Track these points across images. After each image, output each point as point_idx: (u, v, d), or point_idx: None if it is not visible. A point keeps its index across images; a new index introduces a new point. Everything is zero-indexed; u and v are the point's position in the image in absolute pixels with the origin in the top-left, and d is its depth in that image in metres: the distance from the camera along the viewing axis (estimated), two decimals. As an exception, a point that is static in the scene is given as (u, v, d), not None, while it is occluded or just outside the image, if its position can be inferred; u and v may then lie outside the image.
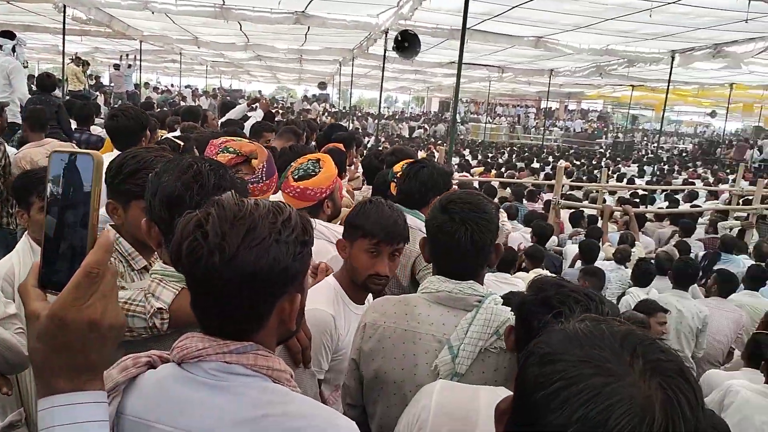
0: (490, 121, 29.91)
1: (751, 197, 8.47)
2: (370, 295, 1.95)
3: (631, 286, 5.07)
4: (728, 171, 16.57)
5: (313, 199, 2.36)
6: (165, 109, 11.28)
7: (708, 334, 4.41)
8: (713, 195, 11.47)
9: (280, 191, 2.41)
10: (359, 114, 26.11)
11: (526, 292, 1.33)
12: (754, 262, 5.86)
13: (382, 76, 10.11)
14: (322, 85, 24.16)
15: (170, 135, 4.55)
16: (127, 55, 16.53)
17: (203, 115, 6.04)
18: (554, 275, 1.43)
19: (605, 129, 32.27)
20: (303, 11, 9.07)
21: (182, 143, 3.75)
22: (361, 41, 11.73)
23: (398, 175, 2.74)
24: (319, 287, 1.90)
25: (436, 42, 10.12)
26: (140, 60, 15.77)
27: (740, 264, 6.02)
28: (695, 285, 5.34)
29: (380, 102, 11.89)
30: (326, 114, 22.04)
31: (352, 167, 4.87)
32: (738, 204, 9.01)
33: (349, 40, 11.95)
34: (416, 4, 6.55)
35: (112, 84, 16.16)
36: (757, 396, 3.08)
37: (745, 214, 8.34)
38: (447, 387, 1.30)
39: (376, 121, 14.10)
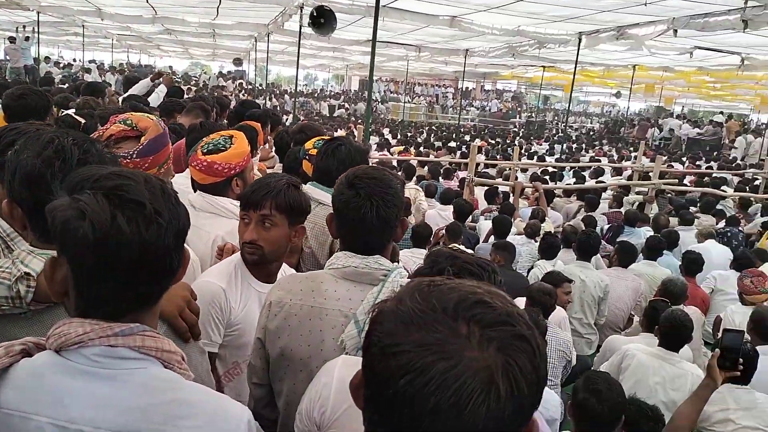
0: (410, 100, 30.14)
1: (651, 173, 9.01)
2: (282, 274, 1.92)
3: (539, 259, 5.29)
4: (632, 149, 17.54)
5: (221, 175, 2.28)
6: (65, 86, 10.58)
7: (609, 302, 4.67)
8: (617, 171, 12.13)
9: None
10: (277, 92, 25.54)
11: (422, 265, 1.34)
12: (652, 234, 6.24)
13: (299, 52, 9.92)
14: (238, 62, 23.42)
15: (70, 111, 4.26)
16: (24, 27, 15.39)
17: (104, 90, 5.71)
18: (451, 249, 1.45)
19: (519, 109, 33.31)
20: (213, -17, 8.74)
21: (83, 120, 3.53)
22: (276, 16, 11.44)
23: (309, 153, 2.70)
24: (220, 263, 1.88)
25: (352, 19, 10.02)
26: (38, 32, 14.68)
27: (641, 236, 6.38)
28: (598, 256, 5.64)
29: (297, 79, 11.66)
30: (242, 92, 21.40)
31: (266, 146, 4.75)
32: (639, 180, 9.57)
33: (263, 14, 11.63)
34: (330, -21, 6.43)
35: (8, 57, 15.01)
36: (651, 358, 3.30)
37: (645, 189, 8.87)
38: (349, 362, 1.30)
39: (294, 99, 13.84)
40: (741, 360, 2.28)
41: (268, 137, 5.05)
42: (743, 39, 9.28)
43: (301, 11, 9.09)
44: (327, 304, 1.53)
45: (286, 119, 13.73)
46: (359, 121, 20.01)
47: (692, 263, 5.01)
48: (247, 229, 1.78)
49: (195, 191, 2.31)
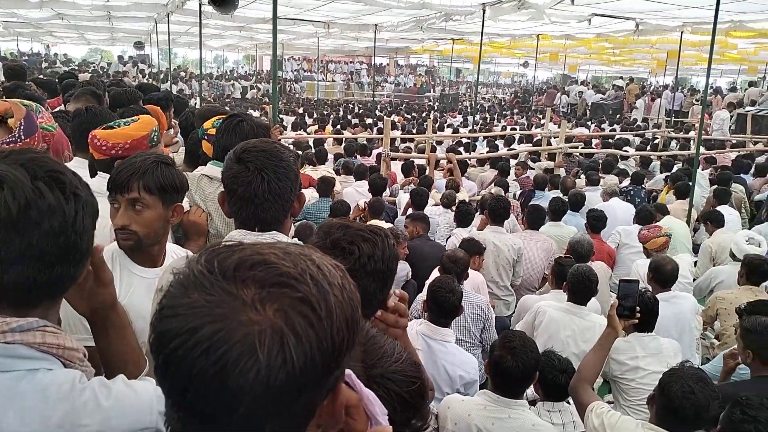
0: (324, 78, 29.77)
1: (557, 138, 9.37)
2: (174, 256, 1.84)
3: (456, 227, 5.40)
4: (541, 116, 18.15)
5: (99, 151, 2.20)
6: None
7: (523, 263, 4.84)
8: (528, 139, 12.53)
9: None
10: (183, 75, 24.52)
11: (313, 239, 1.31)
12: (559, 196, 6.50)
13: (200, 32, 9.53)
14: (139, 45, 22.25)
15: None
16: None
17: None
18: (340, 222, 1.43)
19: (433, 83, 33.67)
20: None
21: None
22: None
23: (208, 132, 2.59)
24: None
25: (256, -4, 9.72)
26: None
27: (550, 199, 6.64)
28: (514, 220, 5.83)
29: (201, 60, 11.21)
30: (145, 76, 20.39)
31: (171, 131, 4.55)
32: (547, 145, 9.92)
33: (161, -7, 11.08)
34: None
35: None
36: (561, 314, 3.45)
37: (554, 153, 9.22)
38: None
39: (199, 81, 13.33)
40: (638, 308, 2.40)
41: (173, 122, 4.84)
42: (637, 5, 9.75)
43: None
44: None
45: (195, 103, 13.23)
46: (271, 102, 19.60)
47: (596, 221, 5.26)
48: (117, 214, 1.67)
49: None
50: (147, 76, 20.50)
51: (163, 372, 0.63)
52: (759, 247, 4.69)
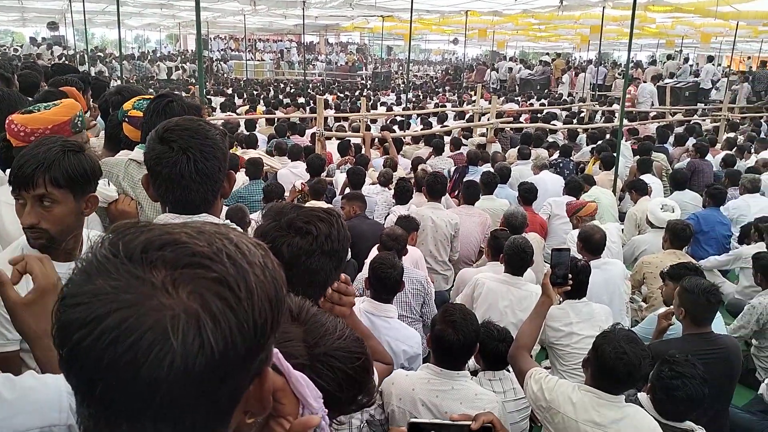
0: (253, 57, 29.04)
1: (488, 114, 9.51)
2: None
3: (395, 205, 5.41)
4: (472, 93, 18.40)
5: (22, 139, 2.05)
6: None
7: (460, 238, 4.91)
8: (460, 115, 12.68)
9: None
10: (101, 55, 23.31)
11: (264, 222, 1.27)
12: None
13: (118, 9, 9.01)
14: (53, 26, 20.97)
15: None
16: None
17: None
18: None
19: (365, 61, 33.47)
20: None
21: None
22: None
23: (129, 114, 2.46)
24: (5, 250, 1.70)
25: (177, -29, 9.29)
26: None
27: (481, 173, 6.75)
28: (447, 196, 5.89)
29: (120, 39, 10.67)
30: (61, 59, 19.26)
31: (88, 114, 4.31)
32: (479, 121, 10.08)
33: (73, -31, 10.43)
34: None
35: None
36: (499, 285, 3.52)
37: (484, 130, 9.37)
38: None
39: (120, 62, 12.70)
40: (570, 275, 2.47)
41: (91, 104, 4.59)
42: (560, -19, 9.98)
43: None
44: None
45: (116, 85, 12.63)
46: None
47: (527, 192, 5.39)
48: (24, 211, 1.53)
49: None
50: (62, 58, 19.36)
51: (68, 366, 0.57)
52: (673, 212, 4.94)
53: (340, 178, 6.66)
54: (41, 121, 2.09)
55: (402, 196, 5.30)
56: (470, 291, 3.58)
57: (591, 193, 6.28)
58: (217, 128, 1.53)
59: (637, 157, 7.81)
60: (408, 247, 3.84)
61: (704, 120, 12.79)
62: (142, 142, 2.26)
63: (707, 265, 5.11)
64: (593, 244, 3.94)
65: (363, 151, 7.49)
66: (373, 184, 6.09)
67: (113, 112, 2.80)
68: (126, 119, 2.46)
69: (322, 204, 4.93)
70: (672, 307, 3.27)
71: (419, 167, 6.98)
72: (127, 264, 0.57)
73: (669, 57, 22.46)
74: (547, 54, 26.30)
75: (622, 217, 6.37)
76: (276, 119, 10.34)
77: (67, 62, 13.13)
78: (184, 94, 14.04)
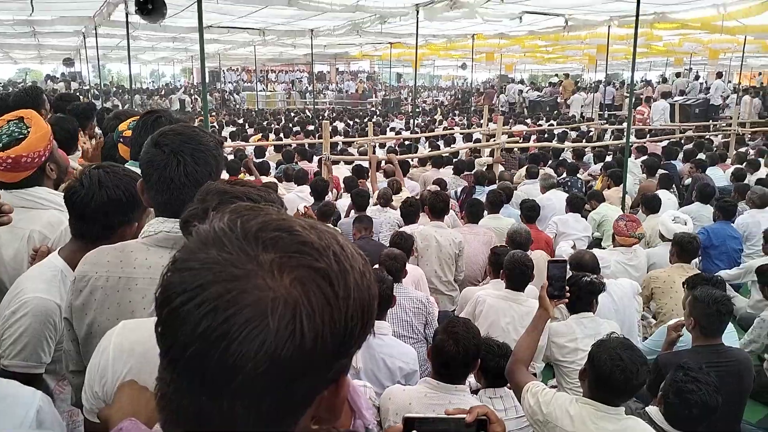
0: (265, 88, 29.48)
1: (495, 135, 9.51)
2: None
3: (403, 225, 5.40)
4: (481, 116, 18.47)
5: (31, 167, 2.05)
6: None
7: (465, 257, 4.87)
8: (468, 137, 12.70)
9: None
10: (115, 90, 23.78)
11: (189, 207, 1.21)
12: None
13: (128, 42, 9.24)
14: (68, 62, 21.45)
15: None
16: None
17: None
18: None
19: (375, 89, 33.80)
20: (18, -28, 7.85)
21: None
22: (101, 6, 10.57)
23: (123, 135, 2.50)
24: (41, 270, 1.70)
25: (186, 3, 9.51)
26: None
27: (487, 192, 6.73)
28: (454, 216, 5.87)
29: (130, 71, 10.88)
30: (78, 93, 19.69)
31: (93, 141, 4.38)
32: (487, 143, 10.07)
33: (86, 5, 10.71)
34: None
35: None
36: (500, 301, 3.47)
37: (491, 150, 9.37)
38: (129, 326, 1.20)
39: (130, 95, 12.95)
40: (568, 288, 2.44)
41: (96, 131, 4.66)
42: (565, 1, 10.04)
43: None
44: (136, 273, 1.41)
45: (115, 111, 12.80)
46: (213, 113, 19.27)
47: (529, 210, 5.35)
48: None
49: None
50: (79, 93, 19.81)
51: (164, 328, 0.59)
52: (685, 225, 4.87)
53: (344, 200, 6.68)
54: (24, 148, 2.06)
55: (408, 216, 5.27)
56: (472, 309, 3.53)
57: (600, 210, 6.23)
58: (212, 135, 1.55)
59: (661, 172, 7.77)
60: (408, 266, 3.81)
61: (716, 136, 12.70)
62: (132, 159, 2.29)
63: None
64: (584, 268, 3.85)
65: (369, 174, 7.51)
66: (374, 205, 6.09)
67: (109, 135, 2.84)
68: (120, 140, 2.50)
69: (331, 226, 4.93)
70: (683, 318, 3.20)
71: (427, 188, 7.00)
72: (241, 240, 0.59)
73: (678, 75, 22.42)
74: (556, 75, 26.41)
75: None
76: (284, 146, 10.44)
77: (76, 94, 13.40)
78: (196, 123, 14.26)
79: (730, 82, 22.25)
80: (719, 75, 18.34)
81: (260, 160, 9.22)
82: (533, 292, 3.75)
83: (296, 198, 6.72)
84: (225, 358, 0.55)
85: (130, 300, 1.41)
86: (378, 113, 22.68)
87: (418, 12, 10.56)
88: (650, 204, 6.06)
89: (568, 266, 2.65)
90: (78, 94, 19.34)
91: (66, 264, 1.70)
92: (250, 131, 14.83)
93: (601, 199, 6.60)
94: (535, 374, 3.39)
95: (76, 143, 3.46)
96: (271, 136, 13.27)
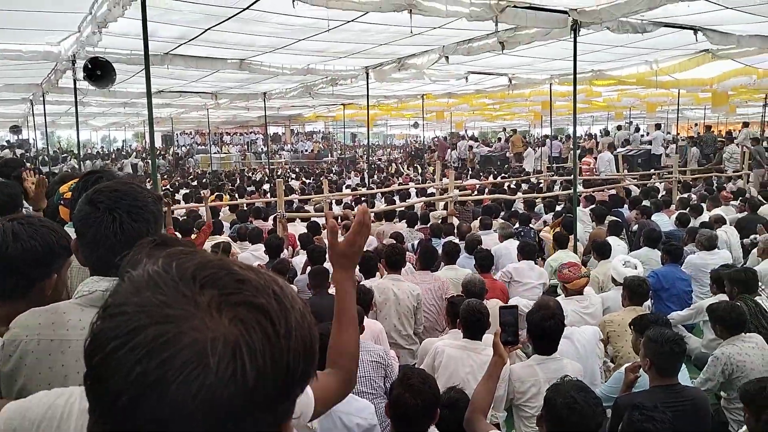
0: (219, 151, 29.47)
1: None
2: None
3: (362, 280, 5.35)
4: (433, 171, 18.81)
5: None
6: None
7: (423, 307, 4.85)
8: (423, 193, 12.88)
9: None
10: (65, 156, 23.35)
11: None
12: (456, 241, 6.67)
13: (76, 109, 9.16)
14: (16, 129, 21.06)
15: None
16: None
17: None
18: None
19: (330, 147, 34.24)
20: (-38, 42, 7.76)
21: None
22: (48, 74, 10.49)
23: (65, 197, 2.43)
24: None
25: (137, 69, 9.53)
26: None
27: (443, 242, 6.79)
28: (409, 268, 5.86)
29: (78, 138, 10.76)
30: (25, 160, 19.21)
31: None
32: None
33: (34, 73, 10.61)
34: (97, 29, 6.04)
35: None
36: (458, 351, 3.45)
37: (445, 203, 9.52)
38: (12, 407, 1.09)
39: (79, 161, 12.76)
40: (520, 333, 2.44)
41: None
42: (507, 60, 10.49)
43: (74, 65, 8.42)
44: (70, 335, 1.35)
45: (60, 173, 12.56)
46: (165, 177, 19.08)
47: (483, 260, 5.41)
48: None
49: None
50: (26, 160, 19.33)
51: (94, 379, 0.55)
52: (635, 269, 4.98)
53: (301, 258, 6.61)
54: None
55: (368, 269, 5.22)
56: (431, 360, 3.49)
57: (556, 256, 6.34)
58: (151, 192, 1.52)
59: (610, 219, 8.01)
60: (367, 320, 3.76)
61: (661, 184, 13.26)
62: (71, 221, 2.22)
63: (671, 321, 5.10)
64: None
65: (325, 230, 7.49)
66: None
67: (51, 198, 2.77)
68: (62, 202, 2.43)
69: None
70: (639, 359, 3.23)
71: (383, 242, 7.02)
72: (177, 281, 0.57)
73: (619, 128, 23.48)
74: (504, 131, 27.30)
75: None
76: (238, 206, 10.38)
77: (22, 160, 13.06)
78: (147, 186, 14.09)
79: (669, 132, 23.41)
80: (658, 126, 19.30)
81: (213, 220, 9.10)
82: (490, 340, 3.74)
83: (251, 257, 6.63)
84: (162, 403, 0.52)
85: (63, 364, 1.34)
86: (334, 171, 22.88)
87: (368, 74, 10.85)
88: (601, 250, 6.21)
89: (518, 311, 2.65)
90: (24, 160, 18.89)
91: None
92: (205, 193, 14.69)
93: (563, 246, 6.71)
94: (497, 424, 3.34)
95: (21, 206, 3.37)
96: (225, 196, 13.17)
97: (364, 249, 5.31)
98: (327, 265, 5.74)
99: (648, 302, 5.02)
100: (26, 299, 1.51)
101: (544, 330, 3.17)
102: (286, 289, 0.63)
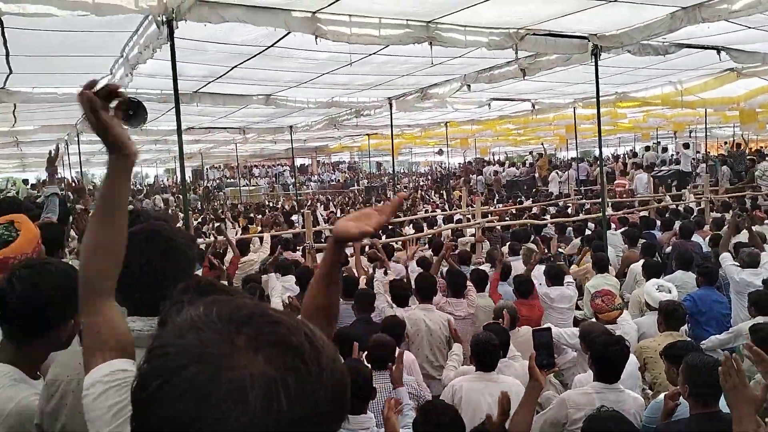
0: (248, 183, 29.94)
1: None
2: None
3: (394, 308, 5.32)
4: (459, 198, 18.78)
5: None
6: None
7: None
8: (450, 220, 12.87)
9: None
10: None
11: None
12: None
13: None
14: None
15: None
16: None
17: None
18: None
19: (356, 177, 34.48)
20: (2, 87, 8.09)
21: None
22: (82, 114, 10.81)
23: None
24: None
25: (167, 108, 9.80)
26: None
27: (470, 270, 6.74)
28: (438, 295, 5.83)
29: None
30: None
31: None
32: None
33: (68, 114, 10.99)
34: (128, 70, 6.27)
35: None
36: (474, 383, 3.38)
37: (473, 230, 9.48)
38: None
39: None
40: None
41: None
42: (529, 86, 10.53)
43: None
44: None
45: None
46: (195, 210, 19.43)
47: (521, 285, 5.34)
48: None
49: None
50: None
51: (138, 416, 0.59)
52: (669, 293, 4.87)
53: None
54: (12, 250, 2.12)
55: (399, 299, 5.17)
56: (449, 398, 3.41)
57: (594, 282, 6.16)
58: (184, 233, 1.56)
59: (642, 240, 7.85)
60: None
61: (691, 203, 13.01)
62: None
63: (709, 345, 4.95)
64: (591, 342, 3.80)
65: (353, 260, 7.51)
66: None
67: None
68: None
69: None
70: (678, 387, 3.14)
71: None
72: (216, 323, 0.61)
73: (647, 149, 23.21)
74: (530, 154, 27.19)
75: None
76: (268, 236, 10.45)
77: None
78: (180, 223, 14.31)
79: (698, 152, 23.07)
80: (687, 146, 19.03)
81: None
82: (505, 368, 3.63)
83: (282, 288, 6.66)
84: None
85: None
86: (361, 201, 23.01)
87: (391, 105, 10.98)
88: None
89: (552, 333, 2.62)
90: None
91: (13, 367, 1.61)
92: (234, 225, 14.90)
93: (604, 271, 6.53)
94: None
95: (61, 247, 3.48)
96: (255, 228, 13.32)
97: (394, 277, 5.23)
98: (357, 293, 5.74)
99: (684, 327, 4.89)
100: (43, 342, 1.54)
101: (608, 356, 3.06)
102: (318, 334, 0.66)
